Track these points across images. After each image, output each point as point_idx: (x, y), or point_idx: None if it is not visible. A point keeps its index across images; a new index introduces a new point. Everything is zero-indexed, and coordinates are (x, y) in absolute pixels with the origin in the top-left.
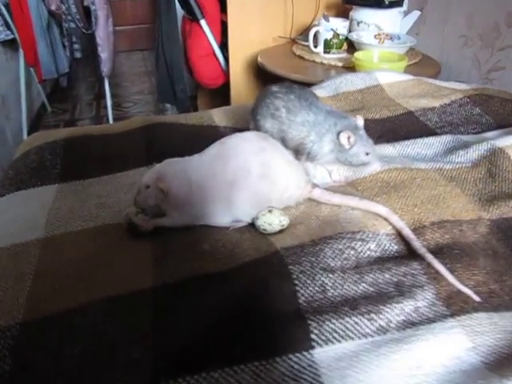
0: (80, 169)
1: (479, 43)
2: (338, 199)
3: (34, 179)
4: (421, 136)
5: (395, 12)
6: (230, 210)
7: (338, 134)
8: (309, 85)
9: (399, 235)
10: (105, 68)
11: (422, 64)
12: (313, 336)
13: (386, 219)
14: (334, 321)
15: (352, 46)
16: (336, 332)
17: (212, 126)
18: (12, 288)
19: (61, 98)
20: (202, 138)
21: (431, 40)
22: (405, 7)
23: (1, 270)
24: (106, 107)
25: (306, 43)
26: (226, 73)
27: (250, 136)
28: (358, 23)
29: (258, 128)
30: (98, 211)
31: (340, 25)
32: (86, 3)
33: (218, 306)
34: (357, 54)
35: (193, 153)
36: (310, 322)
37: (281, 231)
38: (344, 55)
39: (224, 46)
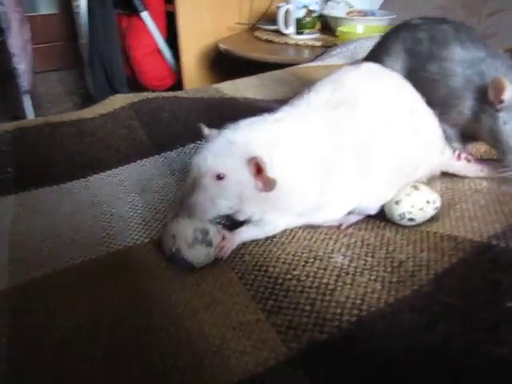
0: (50, 169)
1: (461, 12)
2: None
3: None
4: None
5: None
6: (358, 193)
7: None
8: (290, 65)
9: None
10: (24, 82)
11: None
12: None
13: None
14: None
15: (325, 27)
16: None
17: (227, 98)
18: None
19: None
20: (225, 111)
21: (406, 15)
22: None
23: None
24: None
25: (271, 27)
26: (176, 71)
27: (373, 68)
28: (327, 1)
29: None
30: (96, 229)
31: (312, 1)
32: None
33: None
34: (342, 28)
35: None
36: None
37: (431, 219)
38: (317, 35)
39: (170, 41)
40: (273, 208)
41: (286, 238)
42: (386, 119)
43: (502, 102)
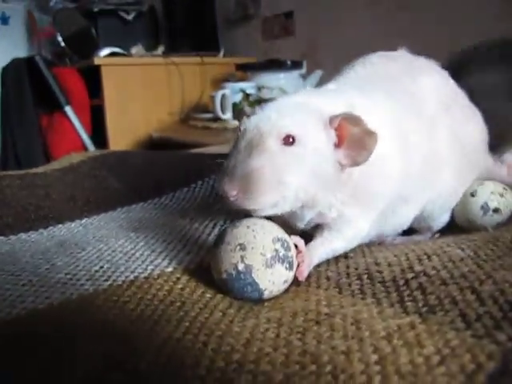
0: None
1: None
2: None
3: None
4: None
5: (296, 74)
6: (430, 187)
7: None
8: None
9: None
10: None
11: None
12: None
13: None
14: None
15: None
16: None
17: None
18: None
19: None
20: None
21: None
22: (304, 69)
23: None
24: None
25: (205, 115)
26: None
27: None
28: (260, 89)
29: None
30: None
31: (248, 85)
32: None
33: None
34: None
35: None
36: None
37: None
38: None
39: (94, 138)
40: (354, 198)
41: None
42: (446, 98)
43: None
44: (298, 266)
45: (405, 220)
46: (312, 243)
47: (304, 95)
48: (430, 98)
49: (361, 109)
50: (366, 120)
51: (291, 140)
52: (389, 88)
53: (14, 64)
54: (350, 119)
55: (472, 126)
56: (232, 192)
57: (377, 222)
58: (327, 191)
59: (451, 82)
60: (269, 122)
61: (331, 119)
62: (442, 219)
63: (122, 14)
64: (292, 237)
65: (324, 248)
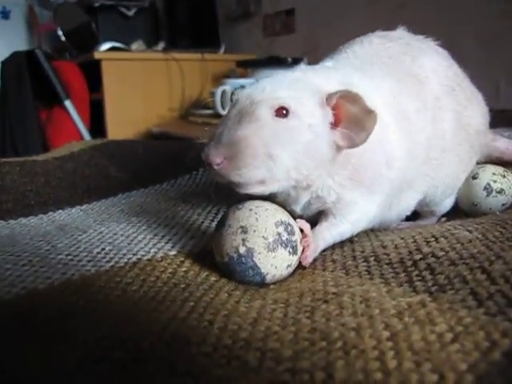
0: None
1: None
2: None
3: None
4: None
5: None
6: (433, 172)
7: None
8: None
9: None
10: None
11: None
12: None
13: None
14: None
15: None
16: None
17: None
18: None
19: None
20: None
21: None
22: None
23: None
24: None
25: (205, 111)
26: None
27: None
28: None
29: None
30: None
31: (248, 82)
32: None
33: None
34: None
35: None
36: None
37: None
38: None
39: (93, 131)
40: (354, 180)
41: None
42: (449, 81)
43: None
44: (303, 250)
45: (408, 205)
46: (317, 228)
47: (301, 71)
48: (432, 79)
49: (359, 87)
50: (365, 99)
51: (285, 112)
52: (388, 68)
53: (14, 57)
54: (348, 97)
55: (475, 108)
56: (216, 159)
57: (381, 208)
58: (322, 172)
59: (453, 62)
60: (263, 92)
61: (328, 97)
62: (445, 204)
63: (123, 9)
64: (298, 220)
65: (330, 232)
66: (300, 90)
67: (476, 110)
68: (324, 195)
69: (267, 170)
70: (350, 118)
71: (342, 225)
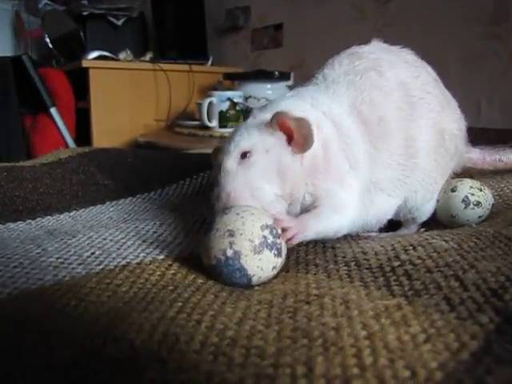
0: None
1: None
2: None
3: None
4: None
5: (283, 85)
6: (407, 177)
7: None
8: None
9: None
10: None
11: None
12: None
13: None
14: None
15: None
16: None
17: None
18: None
19: None
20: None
21: None
22: (291, 81)
23: None
24: None
25: (191, 122)
26: None
27: (384, 45)
28: (247, 99)
29: None
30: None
31: (235, 94)
32: None
33: None
34: None
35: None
36: None
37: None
38: None
39: (79, 140)
40: (326, 176)
41: None
42: (417, 91)
43: None
44: (283, 230)
45: (386, 210)
46: (302, 215)
47: (255, 111)
48: (398, 91)
49: (299, 106)
50: (305, 113)
51: (246, 153)
52: (353, 84)
53: (0, 63)
54: (280, 116)
55: (448, 113)
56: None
57: (359, 210)
58: (298, 182)
59: (424, 72)
60: (228, 147)
61: (267, 124)
62: (426, 210)
63: (112, 18)
64: (274, 213)
65: (315, 221)
66: (253, 130)
67: (450, 116)
68: (306, 199)
69: (259, 202)
70: (292, 129)
71: (326, 212)
